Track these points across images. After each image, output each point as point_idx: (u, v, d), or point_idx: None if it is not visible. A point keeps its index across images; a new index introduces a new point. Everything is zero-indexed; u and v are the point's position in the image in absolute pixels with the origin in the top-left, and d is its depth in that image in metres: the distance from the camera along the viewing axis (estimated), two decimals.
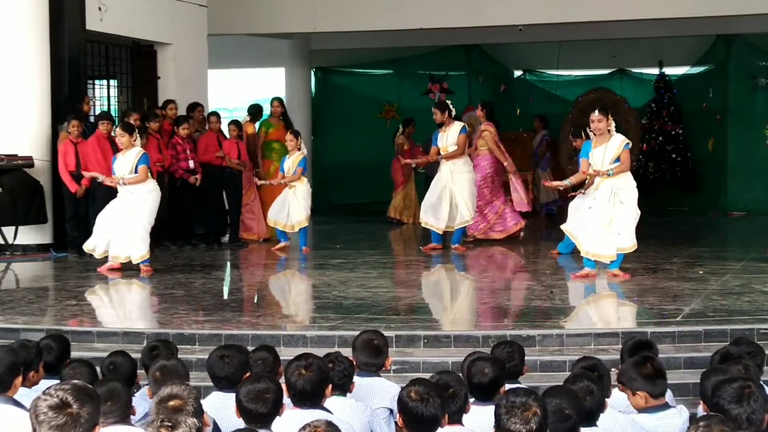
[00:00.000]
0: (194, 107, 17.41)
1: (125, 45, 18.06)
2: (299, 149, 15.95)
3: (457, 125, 15.69)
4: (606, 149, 12.22)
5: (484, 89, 24.89)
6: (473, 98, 23.37)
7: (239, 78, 26.24)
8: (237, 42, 23.13)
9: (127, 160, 13.50)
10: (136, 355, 7.25)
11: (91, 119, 16.44)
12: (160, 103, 17.43)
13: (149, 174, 13.68)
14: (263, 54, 24.82)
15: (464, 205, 15.61)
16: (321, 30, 21.75)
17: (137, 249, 13.44)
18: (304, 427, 4.80)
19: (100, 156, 15.01)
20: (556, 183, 13.88)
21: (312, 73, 25.57)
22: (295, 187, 15.84)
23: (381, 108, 25.38)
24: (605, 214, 12.21)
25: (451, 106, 15.92)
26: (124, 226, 13.41)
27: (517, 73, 26.14)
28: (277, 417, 5.57)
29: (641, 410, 6.15)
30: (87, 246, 13.77)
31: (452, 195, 15.63)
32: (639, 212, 12.38)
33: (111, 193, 14.94)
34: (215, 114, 17.56)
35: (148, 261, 13.57)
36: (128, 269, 13.51)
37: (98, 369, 6.84)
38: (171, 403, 4.81)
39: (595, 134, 12.33)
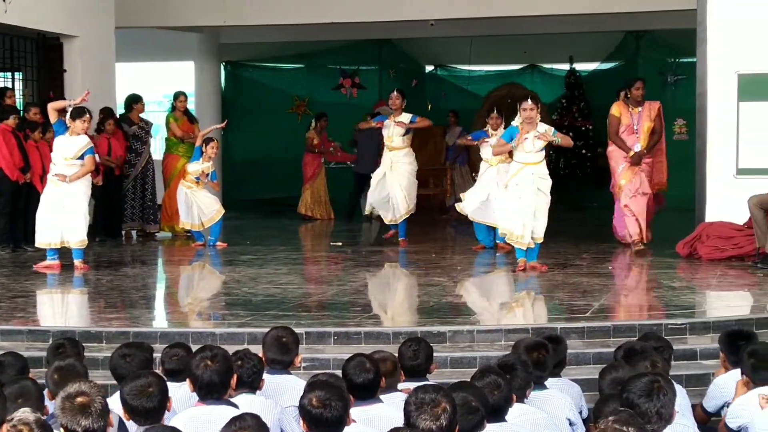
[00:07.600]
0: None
1: (31, 37, 17.74)
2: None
3: (407, 116, 15.57)
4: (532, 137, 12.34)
5: (395, 84, 24.83)
6: (384, 93, 23.37)
7: (148, 72, 25.92)
8: (145, 35, 22.84)
9: (73, 144, 13.20)
10: (42, 353, 7.10)
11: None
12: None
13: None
14: (172, 47, 24.54)
15: (401, 196, 15.50)
16: (230, 23, 21.58)
17: (76, 233, 13.21)
18: (229, 424, 4.75)
19: (5, 150, 14.78)
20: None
21: (222, 67, 25.38)
22: (192, 188, 15.71)
23: (291, 103, 25.27)
24: (530, 204, 12.40)
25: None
26: (64, 213, 13.17)
27: (429, 68, 26.21)
28: (166, 412, 5.48)
29: None
30: (39, 243, 13.44)
31: (390, 186, 15.55)
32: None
33: (15, 187, 14.74)
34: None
35: (82, 255, 13.36)
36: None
37: None
38: (78, 399, 4.75)
39: (525, 122, 12.42)
